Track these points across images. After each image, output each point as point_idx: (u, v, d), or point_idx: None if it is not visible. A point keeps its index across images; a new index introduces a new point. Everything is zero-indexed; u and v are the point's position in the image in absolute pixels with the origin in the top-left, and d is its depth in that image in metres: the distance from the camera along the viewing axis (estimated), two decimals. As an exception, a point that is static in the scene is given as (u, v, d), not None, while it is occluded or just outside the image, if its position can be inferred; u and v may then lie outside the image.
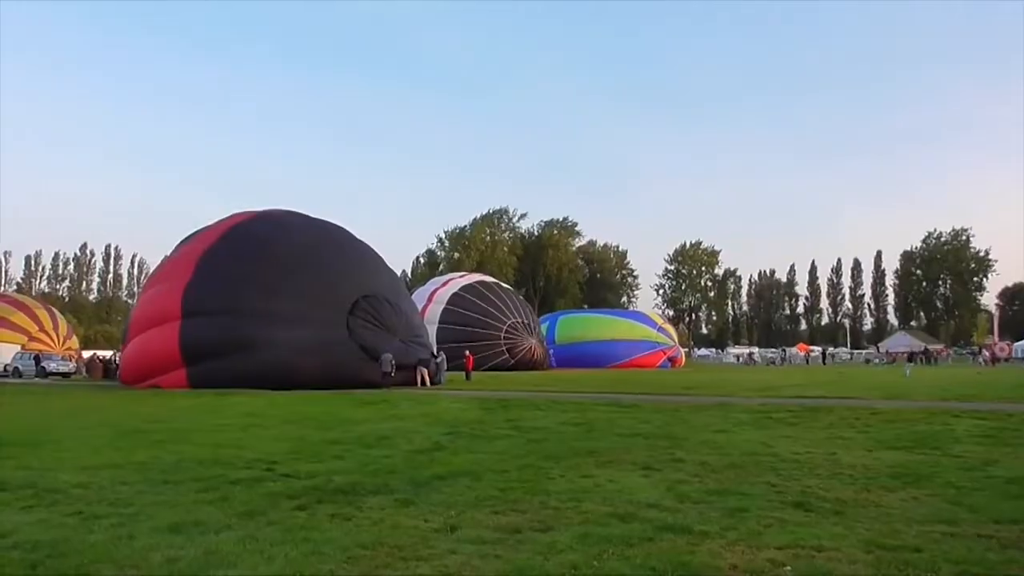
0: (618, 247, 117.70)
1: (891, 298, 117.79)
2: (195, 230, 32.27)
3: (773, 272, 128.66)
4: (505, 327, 49.05)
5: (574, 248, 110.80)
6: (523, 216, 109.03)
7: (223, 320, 26.47)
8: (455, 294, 50.75)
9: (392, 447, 10.87)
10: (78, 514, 6.47)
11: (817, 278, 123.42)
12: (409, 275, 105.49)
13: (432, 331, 43.21)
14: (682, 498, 7.12)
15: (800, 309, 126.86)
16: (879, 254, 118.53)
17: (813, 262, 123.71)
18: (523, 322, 50.43)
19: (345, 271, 29.18)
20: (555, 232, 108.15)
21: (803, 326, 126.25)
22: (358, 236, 33.02)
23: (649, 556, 5.16)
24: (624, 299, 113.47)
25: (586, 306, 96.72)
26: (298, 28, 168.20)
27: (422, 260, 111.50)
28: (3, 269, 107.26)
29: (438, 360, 30.69)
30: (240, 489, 7.56)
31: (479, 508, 6.70)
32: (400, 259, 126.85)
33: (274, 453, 10.14)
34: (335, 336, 27.05)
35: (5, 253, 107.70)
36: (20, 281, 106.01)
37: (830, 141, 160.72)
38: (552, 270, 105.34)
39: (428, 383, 28.78)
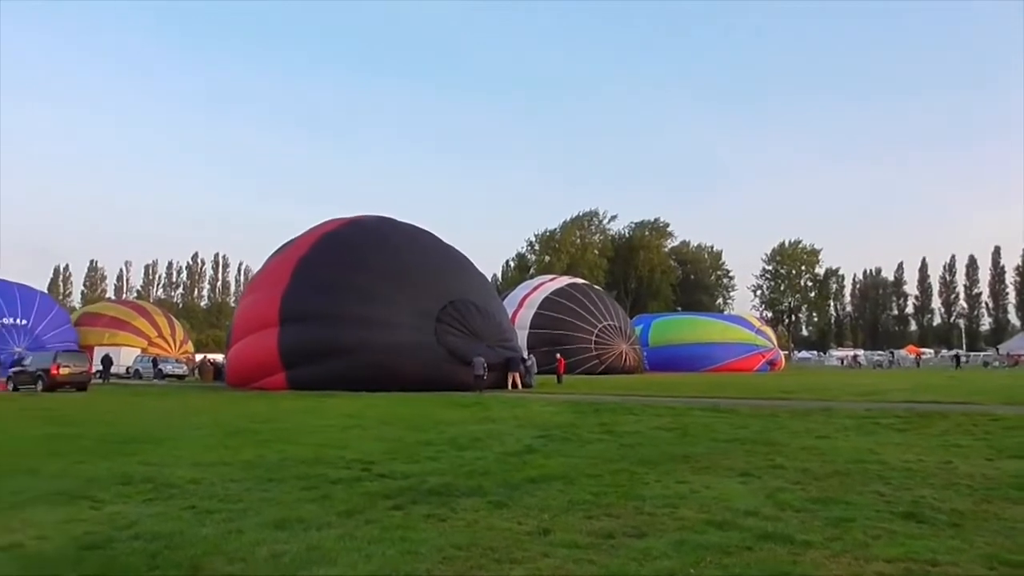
0: (712, 247, 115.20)
1: (1011, 297, 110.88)
2: (290, 238, 33.45)
3: (879, 271, 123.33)
4: (596, 331, 48.72)
5: (666, 249, 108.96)
6: (613, 218, 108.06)
7: (319, 326, 27.44)
8: (547, 298, 50.77)
9: (485, 449, 10.97)
10: (191, 508, 6.83)
11: (928, 276, 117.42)
12: (499, 278, 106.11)
13: (523, 335, 43.41)
14: (782, 506, 6.90)
15: (909, 309, 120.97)
16: (997, 250, 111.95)
17: (924, 259, 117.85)
18: (615, 325, 49.93)
19: (434, 277, 29.73)
20: (646, 233, 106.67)
21: (912, 327, 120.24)
22: (447, 240, 33.57)
23: (749, 565, 5.02)
24: (719, 301, 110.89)
25: (679, 308, 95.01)
26: (384, 38, 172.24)
27: (512, 263, 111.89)
28: (125, 278, 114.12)
29: (528, 363, 30.78)
30: (340, 488, 7.79)
31: (572, 512, 6.68)
32: (490, 262, 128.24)
33: (371, 453, 10.40)
34: (425, 341, 27.56)
35: (126, 263, 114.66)
36: (140, 289, 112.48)
37: (936, 132, 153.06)
38: (644, 272, 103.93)
39: (520, 386, 28.92)
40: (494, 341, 29.36)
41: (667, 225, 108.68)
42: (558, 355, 37.81)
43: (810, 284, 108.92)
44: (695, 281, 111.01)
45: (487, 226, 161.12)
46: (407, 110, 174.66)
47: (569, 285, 53.47)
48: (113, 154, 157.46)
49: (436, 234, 33.73)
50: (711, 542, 5.61)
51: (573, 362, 44.02)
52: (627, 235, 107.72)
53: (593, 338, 48.34)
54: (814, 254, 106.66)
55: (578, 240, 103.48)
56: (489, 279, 48.86)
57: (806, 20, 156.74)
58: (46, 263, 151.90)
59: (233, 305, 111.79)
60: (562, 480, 8.28)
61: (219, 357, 53.87)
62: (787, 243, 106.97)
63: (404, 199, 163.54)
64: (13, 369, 33.02)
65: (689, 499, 7.25)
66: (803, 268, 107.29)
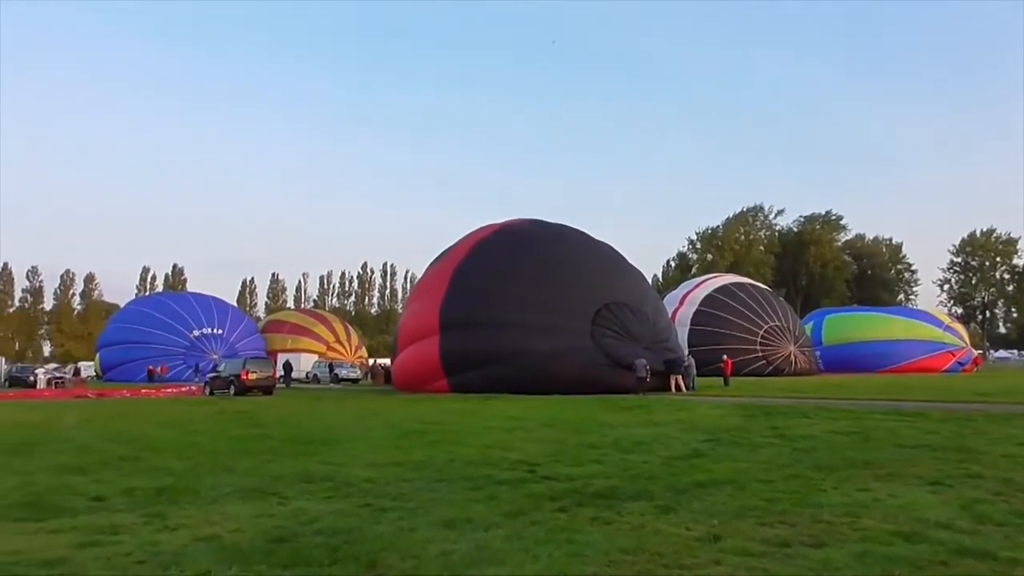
0: (891, 240, 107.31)
1: None
2: (447, 246, 34.45)
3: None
4: (762, 331, 46.74)
5: (839, 243, 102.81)
6: (780, 212, 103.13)
7: (477, 333, 28.16)
8: (708, 296, 49.32)
9: (649, 453, 10.81)
10: (367, 506, 7.17)
11: None
12: (660, 279, 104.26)
13: (683, 334, 42.33)
14: (981, 519, 6.30)
15: None
16: None
17: None
18: (782, 326, 47.68)
19: (587, 278, 29.67)
20: (817, 227, 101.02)
21: None
22: (601, 239, 33.35)
23: (943, 581, 4.63)
24: (900, 297, 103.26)
25: (856, 306, 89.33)
26: (535, 38, 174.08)
27: (673, 263, 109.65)
28: (303, 288, 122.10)
29: (686, 364, 30.00)
30: (506, 489, 7.92)
31: (743, 518, 6.44)
32: (651, 262, 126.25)
33: (535, 455, 10.51)
34: (583, 344, 27.53)
35: (304, 275, 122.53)
36: (316, 298, 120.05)
37: None
38: (815, 268, 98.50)
39: (683, 389, 28.27)
40: (651, 343, 28.87)
41: (840, 218, 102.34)
42: (724, 356, 36.55)
43: (1007, 277, 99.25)
44: (872, 276, 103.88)
45: (647, 226, 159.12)
46: (556, 111, 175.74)
47: (733, 283, 51.69)
48: (288, 174, 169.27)
49: (586, 232, 33.66)
50: (899, 555, 5.22)
51: (737, 363, 42.44)
52: (795, 230, 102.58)
53: (759, 339, 46.44)
54: (1011, 244, 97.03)
55: (742, 237, 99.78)
56: (649, 280, 48.11)
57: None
58: (234, 277, 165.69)
59: (400, 311, 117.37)
60: (731, 485, 8.01)
61: (389, 362, 56.64)
62: (979, 233, 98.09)
63: (558, 201, 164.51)
64: (209, 375, 36.25)
65: (872, 508, 6.79)
66: (998, 260, 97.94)
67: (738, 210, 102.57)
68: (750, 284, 53.32)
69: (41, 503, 7.48)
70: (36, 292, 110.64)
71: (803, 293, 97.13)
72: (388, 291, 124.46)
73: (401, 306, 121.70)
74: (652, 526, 6.22)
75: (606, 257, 32.38)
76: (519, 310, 28.18)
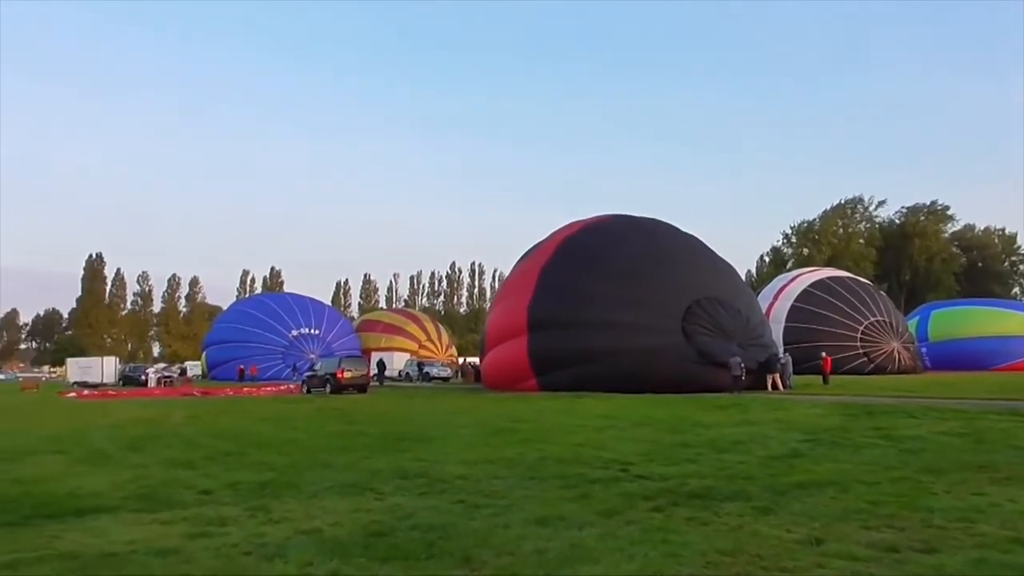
0: (1003, 230, 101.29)
1: None
2: (533, 244, 34.37)
3: None
4: (862, 327, 44.80)
5: (946, 235, 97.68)
6: (881, 204, 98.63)
7: (565, 333, 27.97)
8: (804, 291, 47.60)
9: (746, 452, 10.54)
10: (461, 503, 7.25)
11: None
12: (754, 275, 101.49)
13: (778, 330, 41.02)
14: (1111, 526, 5.87)
15: None
16: None
17: None
18: (884, 321, 45.59)
19: (677, 274, 29.04)
20: (921, 218, 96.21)
21: None
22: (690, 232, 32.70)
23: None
24: (1015, 290, 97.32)
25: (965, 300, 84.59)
26: (623, 35, 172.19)
27: (767, 258, 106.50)
28: (394, 288, 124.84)
29: (783, 362, 29.07)
30: (599, 488, 7.87)
31: (847, 521, 6.20)
32: (744, 258, 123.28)
33: (628, 454, 10.40)
34: (674, 342, 27.00)
35: (395, 275, 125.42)
36: (407, 298, 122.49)
37: None
38: (920, 261, 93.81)
39: (780, 387, 27.44)
40: (745, 339, 28.10)
41: (946, 208, 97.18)
42: (823, 353, 35.18)
43: None
44: (984, 269, 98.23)
45: (739, 221, 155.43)
46: (643, 105, 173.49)
47: (830, 277, 49.74)
48: (378, 177, 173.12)
49: (673, 224, 33.07)
50: (1019, 563, 4.94)
51: (836, 361, 40.81)
52: (898, 222, 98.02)
53: (859, 335, 44.55)
54: None
55: (840, 230, 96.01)
56: (743, 276, 46.78)
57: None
58: (329, 278, 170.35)
59: (488, 311, 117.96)
60: (833, 487, 7.72)
61: (478, 360, 57.21)
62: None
63: (646, 197, 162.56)
64: (307, 373, 37.42)
65: (988, 513, 6.42)
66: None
67: (836, 202, 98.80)
68: (849, 278, 51.17)
69: (154, 495, 7.88)
70: (146, 296, 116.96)
71: (907, 288, 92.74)
72: (476, 290, 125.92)
73: (489, 305, 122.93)
74: (750, 527, 6.07)
75: (696, 251, 31.68)
76: (608, 308, 27.86)
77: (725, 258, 32.62)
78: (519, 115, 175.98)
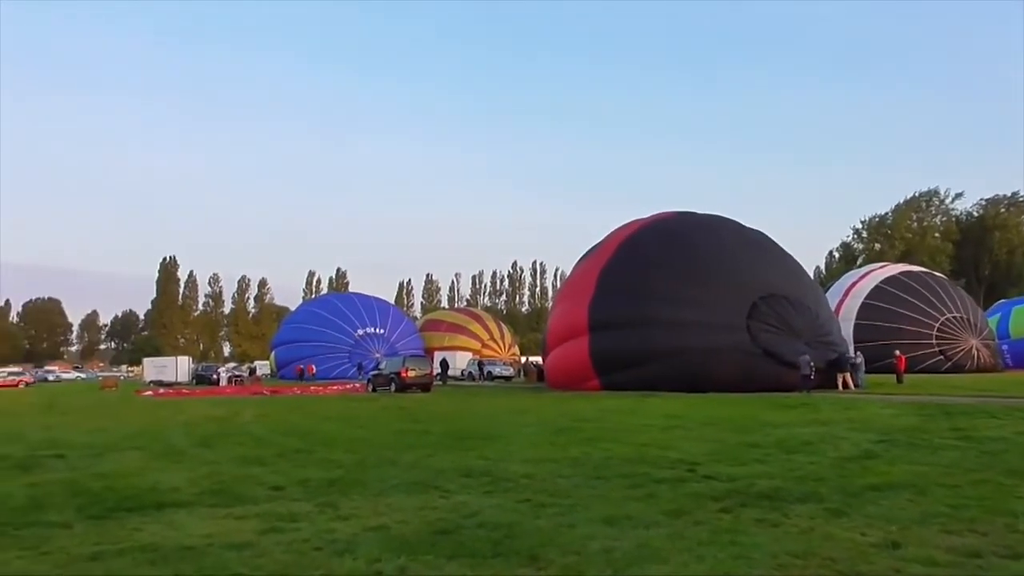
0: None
1: None
2: (594, 243, 34.09)
3: None
4: (939, 324, 43.18)
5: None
6: (958, 196, 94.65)
7: (627, 333, 27.67)
8: (876, 287, 46.09)
9: (817, 453, 10.28)
10: (526, 501, 7.25)
11: None
12: (823, 271, 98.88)
13: (848, 328, 39.86)
14: None
15: None
16: None
17: None
18: (962, 318, 43.84)
19: (741, 271, 28.43)
20: (1002, 210, 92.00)
21: None
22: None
23: None
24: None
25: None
26: (687, 29, 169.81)
27: (836, 254, 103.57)
28: (456, 288, 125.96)
29: (856, 361, 28.22)
30: (665, 488, 7.78)
31: (926, 525, 6.00)
32: (811, 254, 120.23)
33: (695, 454, 10.27)
34: (739, 341, 26.48)
35: (456, 275, 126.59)
36: (468, 298, 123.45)
37: None
38: (1001, 255, 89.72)
39: (851, 386, 26.68)
40: (813, 337, 27.37)
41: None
42: (897, 352, 34.06)
43: None
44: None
45: (806, 217, 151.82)
46: (708, 103, 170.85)
47: (903, 273, 48.06)
48: (439, 178, 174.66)
49: (736, 220, 32.43)
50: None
51: (911, 359, 39.40)
52: (976, 215, 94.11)
53: (935, 332, 42.96)
54: None
55: (914, 224, 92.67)
56: (811, 273, 45.51)
57: None
58: (392, 278, 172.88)
59: (550, 310, 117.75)
60: (910, 489, 7.47)
61: (541, 359, 57.23)
62: None
63: (708, 193, 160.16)
64: (372, 372, 38.02)
65: (1080, 519, 6.12)
66: None
67: (909, 195, 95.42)
68: (924, 272, 49.36)
69: (227, 491, 8.10)
70: (216, 297, 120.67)
71: (986, 283, 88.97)
72: (538, 289, 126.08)
73: (551, 304, 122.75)
74: (823, 530, 5.92)
75: (761, 247, 30.97)
76: (670, 308, 27.49)
77: (792, 254, 31.84)
78: (582, 112, 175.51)
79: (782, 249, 31.50)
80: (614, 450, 10.88)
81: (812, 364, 25.21)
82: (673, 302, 27.53)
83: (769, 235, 32.16)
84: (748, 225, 32.38)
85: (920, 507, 6.66)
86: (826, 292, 40.95)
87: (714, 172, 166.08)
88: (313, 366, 54.01)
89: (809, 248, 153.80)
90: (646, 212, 34.12)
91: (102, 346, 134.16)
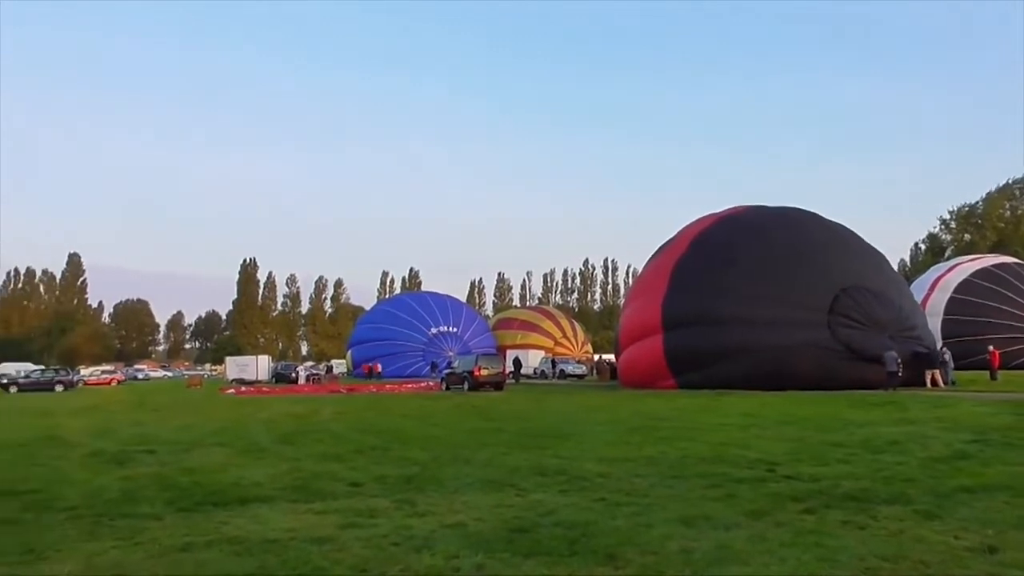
0: None
1: None
2: (666, 240, 33.51)
3: None
4: (1032, 318, 41.04)
5: None
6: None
7: (702, 331, 27.07)
8: (966, 280, 44.08)
9: (905, 453, 9.89)
10: (602, 500, 7.20)
11: None
12: (907, 264, 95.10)
13: (935, 323, 38.19)
14: None
15: None
16: None
17: None
18: (1062, 311, 41.55)
19: (819, 263, 27.52)
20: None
21: None
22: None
23: None
24: None
25: None
26: (761, 23, 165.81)
27: (922, 246, 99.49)
28: (527, 287, 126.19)
29: (944, 357, 27.03)
30: (745, 488, 7.61)
31: (1024, 529, 5.70)
32: (895, 248, 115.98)
33: (774, 453, 10.02)
34: (819, 337, 25.66)
35: (528, 273, 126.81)
36: (540, 296, 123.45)
37: None
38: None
39: (940, 384, 25.60)
40: (897, 330, 26.32)
41: None
42: (991, 347, 32.51)
43: None
44: None
45: (889, 209, 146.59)
46: (782, 94, 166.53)
47: (996, 265, 45.80)
48: (508, 176, 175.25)
49: (813, 211, 31.44)
50: None
51: (1005, 355, 37.49)
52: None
53: (1030, 327, 40.84)
54: None
55: (1008, 212, 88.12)
56: (895, 265, 43.77)
57: None
58: (463, 277, 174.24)
59: (622, 307, 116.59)
60: (1006, 491, 7.13)
61: (614, 357, 56.76)
62: None
63: (782, 187, 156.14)
64: (446, 371, 38.40)
65: None
66: None
67: (1002, 182, 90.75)
68: (1018, 264, 47.02)
69: (308, 487, 8.30)
70: (294, 297, 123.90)
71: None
72: (610, 287, 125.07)
73: (623, 302, 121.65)
74: (913, 532, 5.70)
75: (840, 238, 29.93)
76: (747, 304, 26.82)
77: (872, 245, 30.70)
78: (652, 109, 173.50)
79: (862, 239, 30.39)
80: (690, 449, 10.71)
81: (899, 360, 24.27)
82: (749, 297, 26.89)
83: (849, 227, 31.11)
84: (825, 217, 31.41)
85: (1018, 510, 6.35)
86: (910, 286, 39.41)
87: (789, 166, 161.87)
88: (379, 365, 54.82)
89: (892, 241, 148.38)
90: (718, 207, 33.46)
91: (187, 345, 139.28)
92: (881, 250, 30.80)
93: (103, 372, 62.64)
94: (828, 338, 25.70)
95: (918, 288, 43.03)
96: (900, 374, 24.13)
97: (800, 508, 6.61)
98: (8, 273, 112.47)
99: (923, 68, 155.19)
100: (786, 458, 9.59)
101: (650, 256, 34.16)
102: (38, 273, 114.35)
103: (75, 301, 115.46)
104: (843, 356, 25.37)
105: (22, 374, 50.54)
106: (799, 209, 31.80)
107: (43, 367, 59.71)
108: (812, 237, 29.31)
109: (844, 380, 24.32)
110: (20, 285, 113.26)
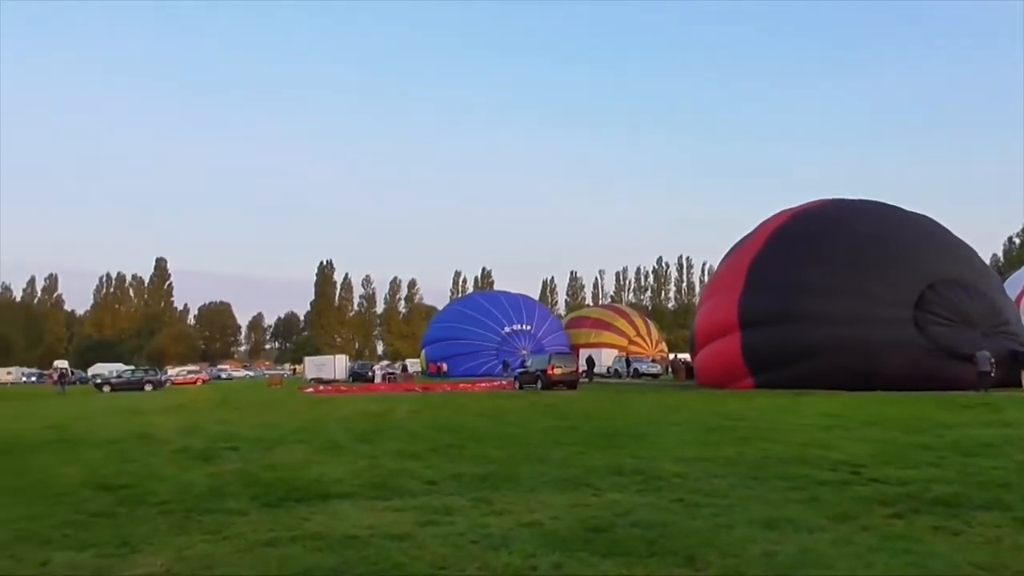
0: None
1: None
2: (741, 236, 32.82)
3: None
4: None
5: None
6: None
7: (781, 328, 26.38)
8: (1066, 275, 41.91)
9: (1001, 457, 9.46)
10: (680, 501, 7.10)
11: None
12: (1000, 259, 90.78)
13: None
14: None
15: None
16: None
17: None
18: None
19: (905, 257, 26.52)
20: None
21: None
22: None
23: None
24: None
25: None
26: (840, 14, 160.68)
27: (1016, 240, 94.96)
28: (600, 285, 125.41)
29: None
30: (828, 491, 7.40)
31: None
32: (987, 241, 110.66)
33: (858, 455, 9.71)
34: (905, 334, 24.72)
35: (600, 272, 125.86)
36: (612, 295, 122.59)
37: None
38: None
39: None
40: (990, 326, 25.10)
41: None
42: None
43: None
44: None
45: (977, 201, 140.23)
46: (863, 85, 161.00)
47: (1097, 259, 43.43)
48: (580, 173, 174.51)
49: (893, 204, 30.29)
50: None
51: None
52: None
53: None
54: None
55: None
56: (987, 260, 41.86)
57: None
58: (536, 276, 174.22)
59: (697, 305, 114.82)
60: (1117, 499, 6.71)
61: (690, 356, 56.01)
62: None
63: (865, 181, 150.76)
64: (519, 370, 38.49)
65: None
66: None
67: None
68: (1121, 259, 44.38)
69: (386, 484, 8.43)
70: (369, 298, 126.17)
71: None
72: (684, 284, 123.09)
73: (698, 300, 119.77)
74: (1012, 540, 5.44)
75: (926, 231, 28.79)
76: (827, 300, 26.04)
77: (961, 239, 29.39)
78: (724, 104, 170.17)
79: (949, 231, 29.16)
80: (770, 450, 10.47)
81: (992, 360, 23.15)
82: (829, 294, 26.10)
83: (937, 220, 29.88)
84: (908, 210, 30.25)
85: None
86: (1004, 283, 37.60)
87: (871, 159, 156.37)
88: (444, 364, 55.27)
89: (984, 235, 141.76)
90: (796, 202, 32.54)
91: (267, 346, 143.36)
92: (970, 244, 29.49)
93: (189, 372, 65.02)
94: (915, 335, 24.75)
95: (1013, 284, 41.04)
96: (993, 374, 23.02)
97: (888, 512, 6.39)
98: (100, 278, 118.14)
99: (1012, 53, 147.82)
100: (871, 460, 9.28)
101: (725, 253, 33.53)
102: (128, 278, 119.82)
103: (162, 304, 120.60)
104: (932, 355, 24.39)
105: (114, 374, 52.94)
106: (879, 202, 30.70)
107: (133, 367, 62.37)
108: (895, 230, 28.27)
109: (933, 380, 23.38)
110: (112, 289, 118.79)
